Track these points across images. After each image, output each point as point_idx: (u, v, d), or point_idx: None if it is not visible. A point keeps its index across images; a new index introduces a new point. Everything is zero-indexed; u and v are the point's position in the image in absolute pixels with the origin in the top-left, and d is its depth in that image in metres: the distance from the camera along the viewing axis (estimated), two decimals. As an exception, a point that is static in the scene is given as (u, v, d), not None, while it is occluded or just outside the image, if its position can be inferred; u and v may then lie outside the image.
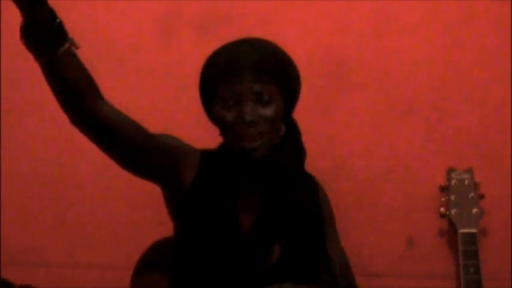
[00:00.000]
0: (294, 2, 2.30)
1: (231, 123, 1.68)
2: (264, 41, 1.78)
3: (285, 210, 1.74)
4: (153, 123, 2.14)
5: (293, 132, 1.81)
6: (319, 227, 1.77)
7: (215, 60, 1.74)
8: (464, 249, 2.07)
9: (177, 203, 1.74)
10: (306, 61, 2.28)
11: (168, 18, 2.31)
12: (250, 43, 1.75)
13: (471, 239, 2.08)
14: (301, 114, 2.27)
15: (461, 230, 2.10)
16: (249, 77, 1.68)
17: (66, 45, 1.54)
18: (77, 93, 1.57)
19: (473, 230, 2.09)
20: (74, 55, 1.57)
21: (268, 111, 1.69)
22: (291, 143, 1.80)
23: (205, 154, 1.78)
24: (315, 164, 2.24)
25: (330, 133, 2.28)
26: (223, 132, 1.72)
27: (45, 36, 1.52)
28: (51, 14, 1.53)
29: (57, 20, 1.53)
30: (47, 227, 2.29)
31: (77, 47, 1.57)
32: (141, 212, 2.28)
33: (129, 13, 2.30)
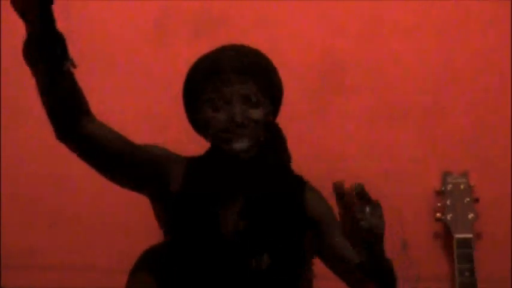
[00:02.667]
0: (289, 4, 2.30)
1: (220, 124, 1.68)
2: (247, 46, 1.79)
3: (271, 214, 1.74)
4: (148, 125, 2.14)
5: (277, 137, 1.82)
6: (300, 230, 1.76)
7: (201, 65, 1.75)
8: (460, 253, 2.07)
9: (166, 211, 1.74)
10: (301, 63, 2.29)
11: (163, 20, 2.30)
12: (235, 48, 1.77)
13: (466, 243, 2.08)
14: (296, 116, 2.28)
15: (457, 235, 2.10)
16: (237, 79, 1.69)
17: (68, 63, 1.55)
18: (71, 109, 1.59)
19: (469, 235, 2.09)
20: (73, 73, 1.58)
21: (257, 113, 1.69)
22: (276, 147, 1.81)
23: (191, 161, 1.78)
24: (309, 166, 2.23)
25: (325, 135, 2.28)
26: (211, 135, 1.73)
27: (50, 53, 1.53)
28: (58, 31, 1.53)
29: (63, 38, 1.54)
30: (43, 229, 2.28)
31: (75, 66, 1.57)
32: (139, 214, 2.27)
33: (124, 14, 2.30)
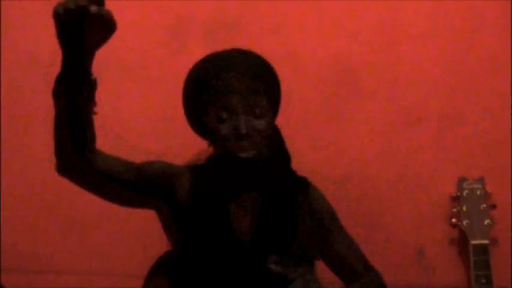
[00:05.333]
0: (303, 10, 2.29)
1: (225, 136, 1.70)
2: (250, 51, 1.81)
3: (281, 215, 1.75)
4: (163, 130, 2.14)
5: (277, 139, 1.84)
6: (308, 230, 1.80)
7: (206, 70, 1.76)
8: (476, 260, 2.06)
9: (177, 222, 1.76)
10: (316, 69, 2.29)
11: (177, 27, 2.30)
12: (241, 53, 1.78)
13: (483, 249, 2.07)
14: (311, 122, 2.28)
15: (473, 242, 2.09)
16: (243, 87, 1.70)
17: (93, 104, 1.63)
18: (83, 143, 1.65)
19: (485, 241, 2.08)
20: (95, 112, 1.65)
21: (261, 124, 1.72)
22: (277, 148, 1.83)
23: (194, 169, 1.80)
24: (324, 172, 2.23)
25: (340, 141, 2.27)
26: (216, 144, 1.74)
27: (79, 93, 1.59)
28: (92, 74, 1.61)
29: (95, 81, 1.62)
30: (54, 233, 2.28)
31: (96, 113, 1.65)
32: (150, 219, 2.27)
33: (138, 22, 2.30)
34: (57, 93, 1.60)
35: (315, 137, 2.26)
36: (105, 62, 2.22)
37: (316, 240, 1.82)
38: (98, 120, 2.23)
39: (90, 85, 1.61)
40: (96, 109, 1.64)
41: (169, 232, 1.81)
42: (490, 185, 2.17)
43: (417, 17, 2.30)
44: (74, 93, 1.59)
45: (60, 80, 1.59)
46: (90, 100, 1.62)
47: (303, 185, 1.85)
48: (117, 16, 2.32)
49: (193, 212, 1.74)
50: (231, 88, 1.70)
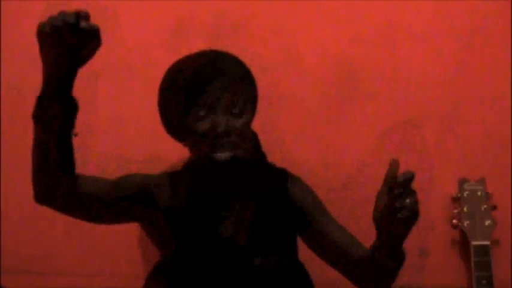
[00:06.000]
0: (304, 12, 2.29)
1: (203, 133, 1.69)
2: (228, 53, 1.81)
3: (266, 210, 1.75)
4: (163, 132, 2.13)
5: (252, 137, 1.82)
6: (294, 221, 1.80)
7: (185, 70, 1.75)
8: (477, 261, 2.06)
9: (161, 229, 1.75)
10: (317, 71, 2.29)
11: (178, 28, 2.30)
12: (220, 54, 1.78)
13: (484, 250, 2.07)
14: (312, 123, 2.27)
15: (474, 242, 2.09)
16: (223, 87, 1.70)
17: (73, 131, 1.57)
18: (66, 168, 1.60)
19: (486, 242, 2.08)
20: (75, 134, 1.59)
21: (240, 123, 1.71)
22: (253, 148, 1.81)
23: (174, 175, 1.79)
24: (325, 174, 2.23)
25: (341, 143, 2.27)
26: (194, 144, 1.73)
27: (60, 118, 1.53)
28: (74, 99, 1.55)
29: (77, 107, 1.55)
30: (55, 235, 2.28)
31: (75, 135, 1.59)
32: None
33: (140, 23, 2.30)
34: (39, 116, 1.53)
35: (316, 138, 2.25)
36: (107, 63, 2.23)
37: (304, 231, 1.82)
38: (99, 121, 2.26)
39: (74, 106, 1.55)
40: (75, 131, 1.58)
41: (156, 242, 1.80)
42: (490, 186, 2.17)
43: (418, 19, 2.30)
44: (59, 115, 1.51)
45: (43, 102, 1.51)
46: (73, 122, 1.56)
47: (282, 177, 1.84)
48: (119, 17, 2.33)
49: (177, 217, 1.73)
50: (211, 87, 1.70)
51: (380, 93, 2.28)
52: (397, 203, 1.51)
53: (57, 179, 1.59)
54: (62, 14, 1.42)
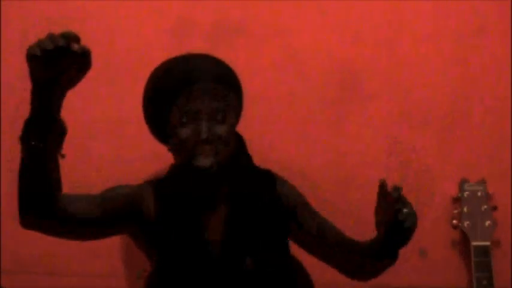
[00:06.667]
0: (305, 13, 2.29)
1: (185, 139, 1.68)
2: (214, 57, 1.80)
3: (253, 214, 1.75)
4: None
5: (238, 140, 1.82)
6: (282, 226, 1.80)
7: (168, 74, 1.74)
8: (477, 261, 2.06)
9: (148, 240, 1.75)
10: (319, 72, 2.28)
11: (179, 30, 2.30)
12: (205, 58, 1.77)
13: (484, 251, 2.07)
14: (314, 125, 2.27)
15: (474, 243, 2.09)
16: (206, 92, 1.69)
17: (60, 153, 1.56)
18: (54, 191, 1.58)
19: (486, 243, 2.08)
20: (63, 156, 1.57)
21: (223, 130, 1.70)
22: (238, 152, 1.80)
23: (157, 184, 1.78)
24: (327, 174, 2.23)
25: (343, 144, 2.27)
26: (176, 150, 1.73)
27: (48, 142, 1.51)
28: (62, 121, 1.53)
29: (65, 130, 1.54)
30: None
31: (63, 157, 1.57)
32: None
33: (140, 24, 2.30)
34: (27, 139, 1.51)
35: (317, 139, 2.25)
36: (107, 64, 2.23)
37: (293, 233, 1.82)
38: (100, 122, 2.25)
39: (62, 129, 1.54)
40: (63, 153, 1.56)
41: (146, 252, 1.80)
42: (491, 186, 2.17)
43: (419, 19, 2.30)
44: (46, 139, 1.50)
45: (31, 125, 1.50)
46: (61, 144, 1.54)
47: (269, 179, 1.83)
48: (119, 17, 2.33)
49: (161, 228, 1.73)
50: (194, 93, 1.69)
51: (381, 95, 2.28)
52: (400, 216, 1.57)
53: (42, 205, 1.57)
54: (52, 37, 1.40)
